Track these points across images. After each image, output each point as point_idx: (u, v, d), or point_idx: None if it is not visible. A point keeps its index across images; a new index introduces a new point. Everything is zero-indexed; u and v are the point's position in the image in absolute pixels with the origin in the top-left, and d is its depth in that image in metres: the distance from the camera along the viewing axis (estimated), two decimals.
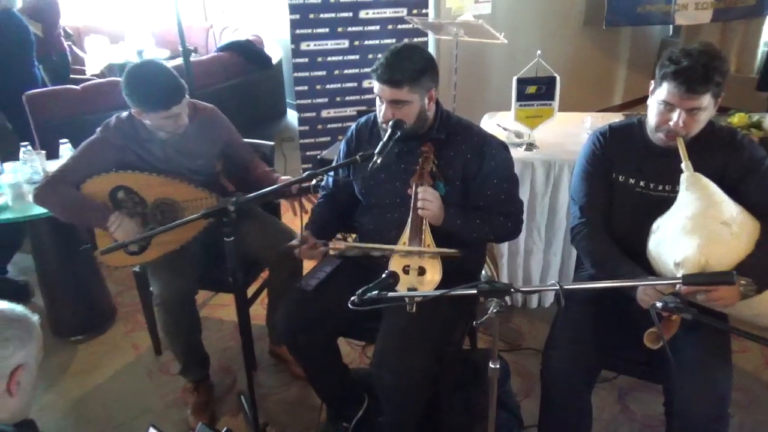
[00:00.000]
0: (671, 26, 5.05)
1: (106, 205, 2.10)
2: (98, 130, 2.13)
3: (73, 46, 5.30)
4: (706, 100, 1.56)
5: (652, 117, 1.66)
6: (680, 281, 1.27)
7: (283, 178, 2.24)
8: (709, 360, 1.56)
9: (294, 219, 2.03)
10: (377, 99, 1.78)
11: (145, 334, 2.62)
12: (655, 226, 1.64)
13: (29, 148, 2.58)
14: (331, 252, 1.82)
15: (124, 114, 2.13)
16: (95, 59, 5.20)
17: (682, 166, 1.60)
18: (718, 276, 1.34)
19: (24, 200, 2.39)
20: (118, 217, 2.06)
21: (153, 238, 2.10)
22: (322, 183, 2.08)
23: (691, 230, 1.51)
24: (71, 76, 4.76)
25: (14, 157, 2.63)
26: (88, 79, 4.25)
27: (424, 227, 1.72)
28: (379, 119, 1.80)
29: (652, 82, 1.66)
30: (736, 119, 2.64)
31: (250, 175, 2.32)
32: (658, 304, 1.24)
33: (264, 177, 2.28)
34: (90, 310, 2.79)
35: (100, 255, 1.96)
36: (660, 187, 1.71)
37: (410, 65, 1.69)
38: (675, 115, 1.59)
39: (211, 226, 2.09)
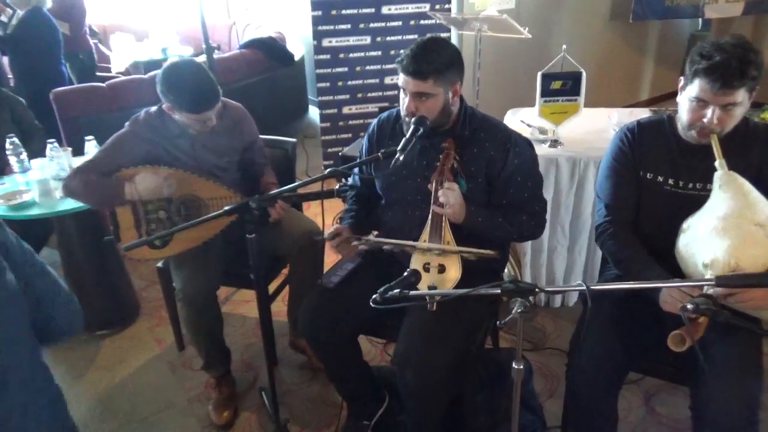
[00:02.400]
0: (701, 20, 4.93)
1: (122, 178, 2.09)
2: (127, 123, 2.15)
3: (99, 44, 5.39)
4: (741, 95, 1.50)
5: (684, 114, 1.61)
6: (713, 282, 1.23)
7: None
8: (740, 363, 1.51)
9: (316, 215, 2.04)
10: (401, 92, 1.76)
11: (169, 330, 2.65)
12: (685, 225, 1.59)
13: (56, 145, 2.62)
14: (364, 246, 1.80)
15: (154, 108, 2.14)
16: (121, 57, 5.28)
17: (716, 164, 1.54)
18: (754, 278, 1.29)
19: (51, 196, 2.42)
20: (130, 184, 2.06)
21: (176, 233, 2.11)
22: (350, 182, 2.07)
23: (723, 231, 1.46)
24: (97, 73, 4.84)
25: (42, 153, 2.67)
26: (114, 77, 4.32)
27: (444, 224, 1.71)
28: (402, 112, 1.78)
29: (681, 78, 1.60)
30: None
31: (259, 183, 2.32)
32: (689, 306, 1.21)
33: (265, 189, 2.26)
34: (115, 305, 2.83)
35: (124, 251, 1.98)
36: (690, 185, 1.67)
37: (436, 58, 1.67)
38: (709, 112, 1.53)
39: (234, 223, 2.10)
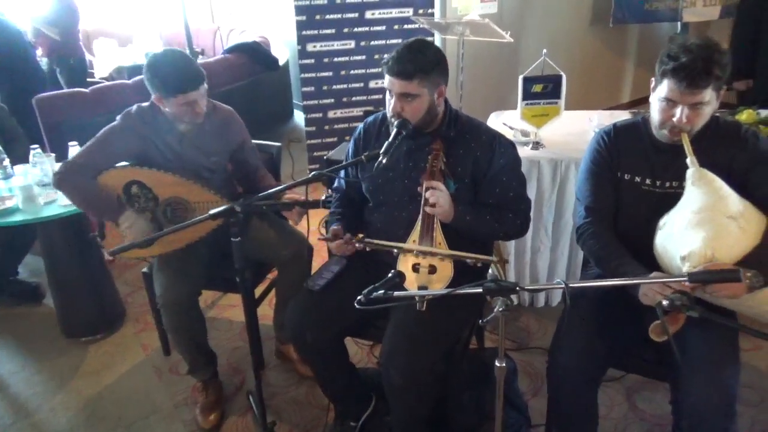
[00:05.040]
0: (679, 23, 5.02)
1: (120, 201, 2.13)
2: (118, 117, 2.16)
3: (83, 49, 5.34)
4: (708, 95, 1.55)
5: (655, 114, 1.66)
6: (686, 279, 1.26)
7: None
8: (717, 357, 1.55)
9: (301, 222, 2.05)
10: (387, 93, 1.78)
11: (155, 335, 2.65)
12: (661, 222, 1.64)
13: (39, 150, 2.61)
14: (368, 248, 1.80)
15: (145, 103, 2.16)
16: (104, 62, 5.25)
17: (688, 161, 1.60)
18: (725, 273, 1.33)
19: (34, 202, 2.41)
20: (129, 216, 2.10)
21: None
22: (335, 185, 2.09)
23: (698, 224, 1.51)
24: (88, 79, 4.79)
25: (25, 159, 2.66)
26: (98, 82, 4.29)
27: (435, 225, 1.72)
28: (388, 114, 1.80)
29: (653, 79, 1.66)
30: (745, 116, 2.63)
31: (257, 183, 2.34)
32: (665, 302, 1.24)
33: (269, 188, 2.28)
34: (100, 310, 2.81)
35: (110, 255, 1.98)
36: (667, 184, 1.71)
37: (421, 58, 1.70)
38: (678, 111, 1.58)
39: (220, 227, 2.11)
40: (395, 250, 1.72)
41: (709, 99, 1.56)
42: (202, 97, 2.08)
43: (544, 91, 2.50)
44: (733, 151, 1.66)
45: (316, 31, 3.96)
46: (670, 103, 1.59)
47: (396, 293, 1.37)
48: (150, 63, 2.04)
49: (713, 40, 1.57)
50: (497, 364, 1.37)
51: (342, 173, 2.05)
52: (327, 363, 1.98)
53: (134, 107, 2.16)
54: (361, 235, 1.77)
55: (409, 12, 3.97)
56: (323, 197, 1.88)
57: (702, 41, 1.55)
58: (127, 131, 2.13)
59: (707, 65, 1.50)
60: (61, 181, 2.10)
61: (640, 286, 1.57)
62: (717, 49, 1.53)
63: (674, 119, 1.59)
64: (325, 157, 3.07)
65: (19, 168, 2.60)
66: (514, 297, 1.29)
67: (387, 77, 1.74)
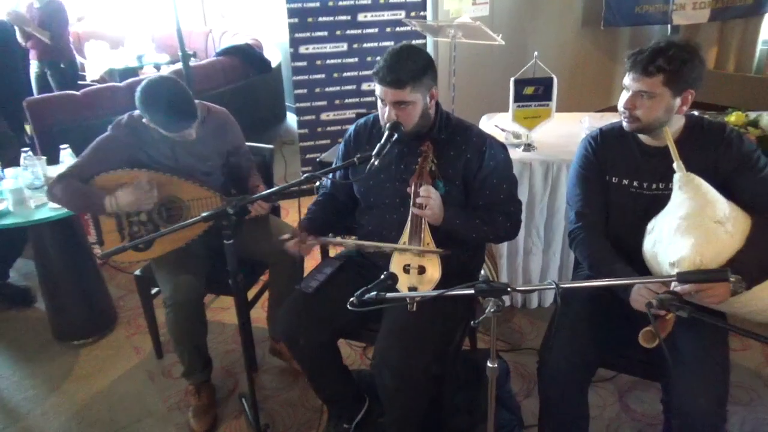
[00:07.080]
0: (669, 26, 5.07)
1: (103, 191, 2.12)
2: (110, 127, 2.17)
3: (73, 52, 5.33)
4: (657, 87, 1.58)
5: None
6: (675, 279, 1.28)
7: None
8: (707, 357, 1.56)
9: (294, 222, 2.06)
10: (378, 101, 1.78)
11: (147, 338, 2.64)
12: (649, 226, 1.65)
13: (30, 153, 2.59)
14: (332, 248, 1.82)
15: (137, 112, 2.14)
16: (95, 64, 5.24)
17: (674, 166, 1.61)
18: (714, 273, 1.35)
19: (25, 206, 2.40)
20: (110, 198, 2.09)
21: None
22: (322, 183, 2.10)
23: (686, 230, 1.52)
24: (79, 82, 4.78)
25: (15, 162, 2.64)
26: (90, 85, 4.28)
27: (423, 226, 1.73)
28: (382, 121, 1.79)
29: None
30: (734, 118, 2.64)
31: (245, 184, 2.34)
32: (654, 302, 1.25)
33: (252, 192, 2.29)
34: (92, 314, 2.80)
35: (101, 258, 1.98)
36: (654, 186, 1.73)
37: (411, 65, 1.69)
38: (625, 95, 1.66)
39: (214, 226, 2.11)
40: (386, 249, 1.72)
41: (659, 93, 1.59)
42: (194, 127, 2.09)
43: (535, 93, 2.52)
44: (718, 153, 1.67)
45: (308, 34, 3.97)
46: (625, 90, 1.67)
47: (388, 295, 1.37)
48: (144, 95, 1.99)
49: (685, 41, 1.61)
50: (489, 364, 1.37)
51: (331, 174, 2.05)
52: (320, 365, 1.98)
53: (125, 117, 2.16)
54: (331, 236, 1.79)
55: (401, 14, 3.99)
56: (317, 183, 1.88)
57: (674, 39, 1.61)
58: (117, 141, 2.13)
59: (654, 55, 1.56)
60: (50, 192, 2.13)
61: (631, 292, 1.58)
62: (677, 46, 1.57)
63: (621, 103, 1.66)
64: (317, 159, 3.08)
65: (9, 171, 2.58)
66: (506, 298, 1.30)
67: (378, 86, 1.73)
